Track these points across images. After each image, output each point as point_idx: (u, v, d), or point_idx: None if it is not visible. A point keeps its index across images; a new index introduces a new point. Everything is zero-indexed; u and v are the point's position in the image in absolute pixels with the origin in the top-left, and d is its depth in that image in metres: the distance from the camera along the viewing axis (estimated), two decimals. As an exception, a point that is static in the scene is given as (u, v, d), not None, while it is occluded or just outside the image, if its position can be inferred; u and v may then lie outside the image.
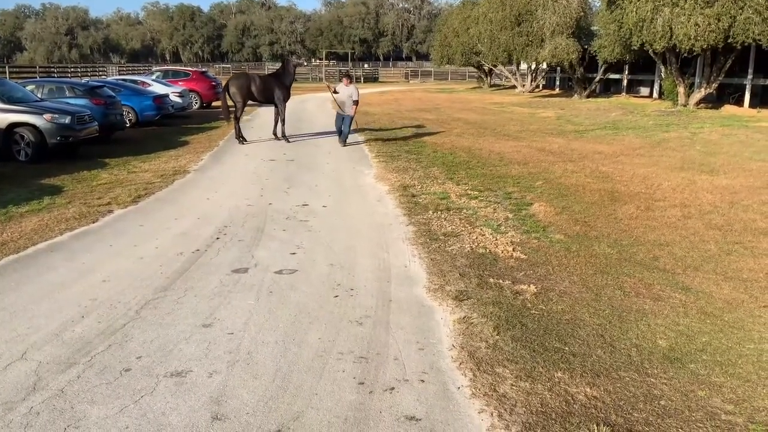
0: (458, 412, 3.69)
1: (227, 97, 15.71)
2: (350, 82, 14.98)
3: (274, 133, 16.11)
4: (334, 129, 15.82)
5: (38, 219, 7.93)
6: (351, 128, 15.22)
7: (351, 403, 3.75)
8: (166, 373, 4.08)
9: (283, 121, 15.88)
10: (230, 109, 15.92)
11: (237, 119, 15.56)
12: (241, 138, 15.44)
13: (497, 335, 4.64)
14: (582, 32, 30.66)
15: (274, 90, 15.49)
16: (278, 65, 18.91)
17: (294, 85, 16.82)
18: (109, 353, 4.35)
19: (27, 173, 11.00)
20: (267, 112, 16.09)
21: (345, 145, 14.89)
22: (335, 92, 14.93)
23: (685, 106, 22.41)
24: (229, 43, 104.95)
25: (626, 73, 30.89)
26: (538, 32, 31.33)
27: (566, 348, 4.48)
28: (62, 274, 5.96)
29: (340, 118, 14.99)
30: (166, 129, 18.33)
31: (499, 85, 46.69)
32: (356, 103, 14.77)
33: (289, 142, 15.51)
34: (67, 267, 6.18)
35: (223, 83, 16.80)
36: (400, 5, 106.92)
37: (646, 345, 4.57)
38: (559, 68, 35.44)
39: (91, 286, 5.66)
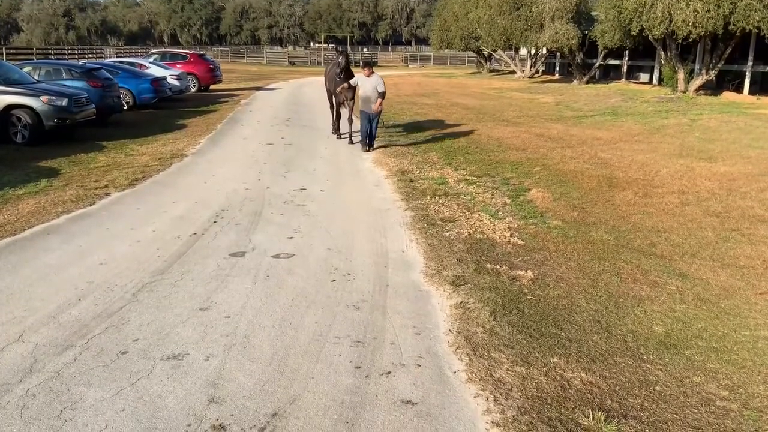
0: (454, 396, 3.70)
1: None
2: (371, 72, 12.38)
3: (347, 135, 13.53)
4: (330, 113, 14.63)
5: (35, 201, 7.90)
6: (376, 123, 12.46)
7: (347, 387, 3.76)
8: (163, 356, 4.09)
9: (349, 119, 13.22)
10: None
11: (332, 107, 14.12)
12: (337, 131, 14.03)
13: (494, 320, 4.65)
14: (582, 17, 30.43)
15: (328, 82, 13.85)
16: (277, 49, 18.26)
17: (292, 69, 16.36)
18: (106, 336, 4.36)
19: (24, 155, 10.94)
20: (265, 95, 15.90)
21: (374, 149, 12.37)
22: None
23: (684, 92, 22.32)
24: (228, 26, 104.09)
25: (626, 59, 30.70)
26: (537, 17, 31.10)
27: (562, 333, 4.50)
28: (59, 257, 5.95)
29: (366, 117, 12.22)
30: (163, 112, 18.22)
31: (498, 71, 46.44)
32: (382, 95, 12.03)
33: (352, 142, 13.10)
34: (63, 250, 6.17)
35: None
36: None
37: (642, 331, 4.58)
38: (558, 54, 35.21)
39: (88, 268, 5.65)
